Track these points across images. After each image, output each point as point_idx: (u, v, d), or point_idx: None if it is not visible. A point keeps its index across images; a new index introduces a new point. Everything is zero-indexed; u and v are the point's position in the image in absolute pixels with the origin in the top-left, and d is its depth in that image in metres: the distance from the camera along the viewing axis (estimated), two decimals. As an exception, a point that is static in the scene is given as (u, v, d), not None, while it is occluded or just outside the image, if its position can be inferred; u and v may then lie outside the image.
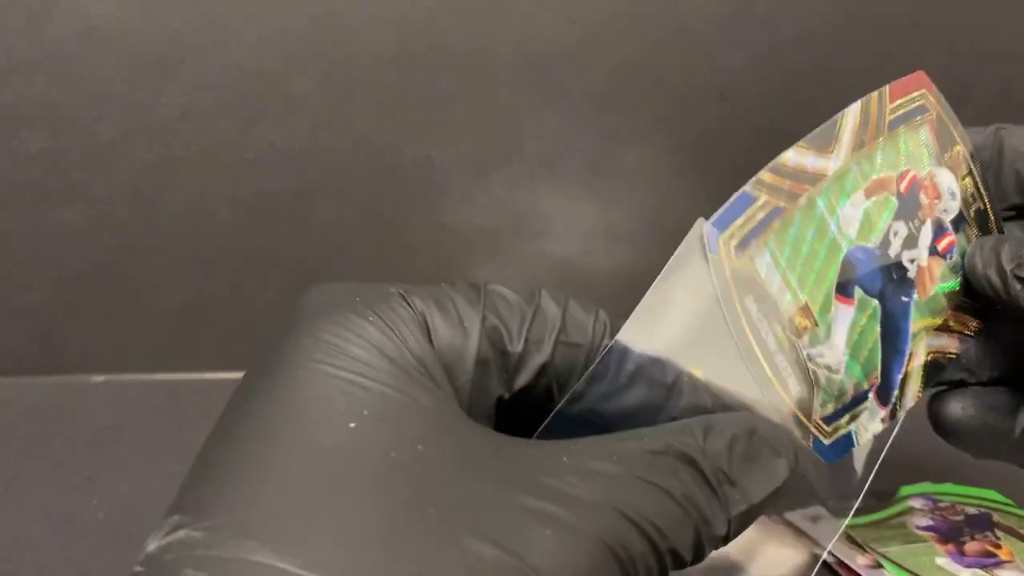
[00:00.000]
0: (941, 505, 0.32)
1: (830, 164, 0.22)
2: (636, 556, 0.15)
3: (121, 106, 0.38)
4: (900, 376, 0.21)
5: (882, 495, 0.32)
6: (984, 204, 0.23)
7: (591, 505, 0.15)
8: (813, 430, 0.20)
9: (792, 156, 0.22)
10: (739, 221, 0.21)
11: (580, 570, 0.14)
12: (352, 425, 0.15)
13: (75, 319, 0.43)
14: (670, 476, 0.16)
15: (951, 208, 0.23)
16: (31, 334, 0.44)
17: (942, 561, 0.28)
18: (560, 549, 0.14)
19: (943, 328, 0.22)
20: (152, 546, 0.15)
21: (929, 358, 0.22)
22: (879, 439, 0.21)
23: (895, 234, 0.22)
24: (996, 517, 0.31)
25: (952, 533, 0.30)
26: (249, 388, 0.17)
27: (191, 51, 0.37)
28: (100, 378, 0.44)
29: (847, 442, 0.20)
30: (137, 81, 0.37)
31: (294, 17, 0.36)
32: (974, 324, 0.23)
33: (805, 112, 0.39)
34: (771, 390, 0.19)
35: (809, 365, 0.20)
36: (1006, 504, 0.32)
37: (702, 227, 0.20)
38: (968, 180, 0.23)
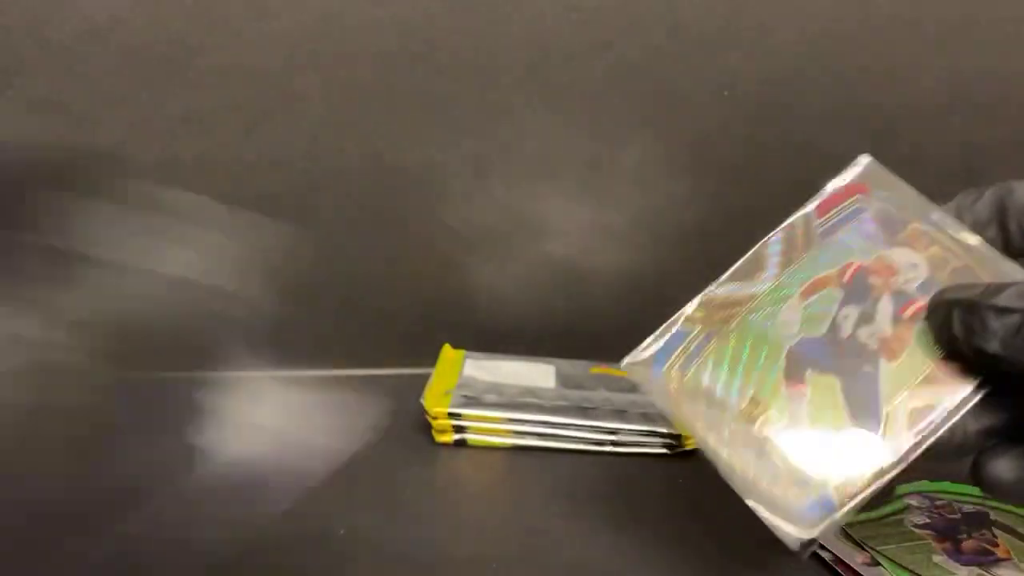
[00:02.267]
0: (938, 503, 0.32)
1: (759, 287, 0.25)
2: None
3: (123, 107, 0.38)
4: (878, 434, 0.22)
5: (880, 493, 0.33)
6: (965, 261, 0.24)
7: None
8: (782, 493, 0.22)
9: (719, 291, 0.26)
10: (678, 351, 0.25)
11: None
12: None
13: (76, 319, 0.43)
14: None
15: (915, 277, 0.24)
16: (32, 334, 0.44)
17: (939, 559, 0.28)
18: None
19: (934, 379, 0.23)
20: None
21: (911, 411, 0.23)
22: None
23: (845, 318, 0.24)
24: (993, 515, 0.31)
25: (949, 531, 0.30)
26: None
27: (192, 52, 0.37)
28: (101, 377, 0.44)
29: (824, 504, 0.22)
30: (139, 82, 0.37)
31: (295, 18, 0.36)
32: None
33: (805, 112, 0.40)
34: (733, 474, 0.23)
35: (768, 442, 0.23)
36: (1002, 502, 0.32)
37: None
38: (935, 248, 0.24)
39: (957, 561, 0.28)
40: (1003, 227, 0.24)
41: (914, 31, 0.38)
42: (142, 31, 0.36)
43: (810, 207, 0.27)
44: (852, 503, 0.22)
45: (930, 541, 0.29)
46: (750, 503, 0.22)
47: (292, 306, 0.45)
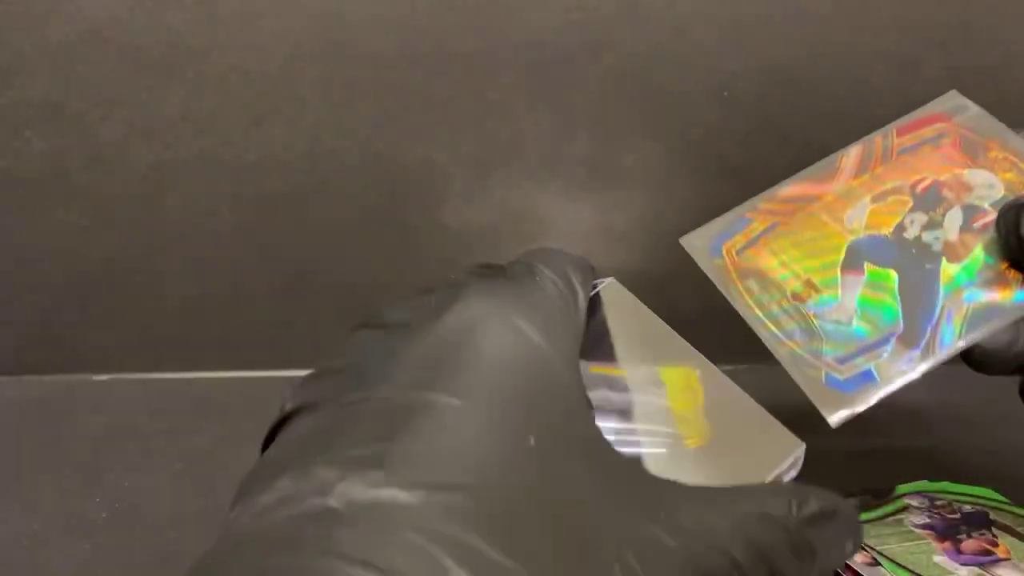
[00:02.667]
0: (938, 503, 0.32)
1: (830, 188, 0.26)
2: None
3: (124, 107, 0.38)
4: (930, 325, 0.23)
5: (879, 493, 0.33)
6: None
7: (702, 544, 0.17)
8: (824, 368, 0.22)
9: (789, 188, 0.26)
10: (739, 234, 0.26)
11: None
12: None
13: (76, 319, 0.43)
14: (772, 544, 0.18)
15: (989, 195, 0.24)
16: (33, 333, 0.44)
17: (939, 559, 0.28)
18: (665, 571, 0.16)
19: (999, 282, 0.23)
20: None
21: (972, 309, 0.23)
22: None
23: (911, 222, 0.25)
24: (993, 515, 0.31)
25: (949, 531, 0.30)
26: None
27: (193, 52, 0.37)
28: (102, 377, 0.44)
29: (866, 376, 0.22)
30: (139, 82, 0.37)
31: (295, 18, 0.36)
32: None
33: (805, 112, 0.40)
34: (780, 346, 0.23)
35: (815, 320, 0.23)
36: (1003, 502, 0.32)
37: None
38: (1012, 174, 0.25)
39: (957, 561, 0.28)
40: None
41: (914, 31, 0.38)
42: (142, 31, 0.36)
43: (892, 127, 0.27)
44: (896, 383, 0.22)
45: (930, 541, 0.29)
46: (794, 376, 0.22)
47: (292, 306, 0.46)
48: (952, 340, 0.22)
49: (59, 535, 0.35)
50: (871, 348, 0.23)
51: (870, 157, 0.26)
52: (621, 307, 0.25)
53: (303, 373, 0.19)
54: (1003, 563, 0.28)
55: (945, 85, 0.40)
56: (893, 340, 0.23)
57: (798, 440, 0.22)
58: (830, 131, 0.40)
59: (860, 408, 0.22)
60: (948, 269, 0.23)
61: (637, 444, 0.37)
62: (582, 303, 0.22)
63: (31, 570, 0.33)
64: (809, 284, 0.24)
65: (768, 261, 0.25)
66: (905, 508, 0.31)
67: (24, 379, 0.44)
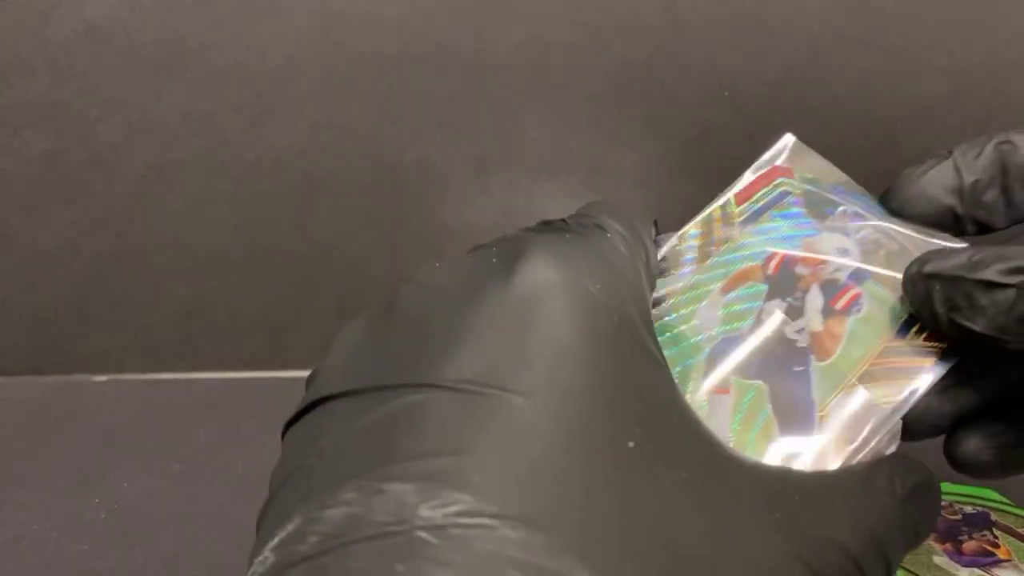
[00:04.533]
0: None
1: (673, 285, 0.22)
2: None
3: (123, 107, 0.38)
4: (807, 437, 0.19)
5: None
6: (899, 242, 0.22)
7: (821, 545, 0.16)
8: None
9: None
10: None
11: None
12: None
13: (76, 319, 0.43)
14: (882, 526, 0.16)
15: (845, 266, 0.22)
16: (32, 334, 0.44)
17: (940, 560, 0.28)
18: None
19: (875, 378, 0.20)
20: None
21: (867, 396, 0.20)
22: None
23: (769, 314, 0.21)
24: (994, 516, 0.31)
25: (950, 532, 0.30)
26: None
27: (192, 52, 0.37)
28: (101, 378, 0.44)
29: None
30: (138, 82, 0.37)
31: (295, 18, 0.36)
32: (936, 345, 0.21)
33: (805, 112, 0.39)
34: None
35: None
36: (1004, 503, 0.32)
37: None
38: (866, 231, 0.22)
39: (958, 562, 0.28)
40: (1005, 189, 0.22)
41: (915, 31, 0.38)
42: (142, 31, 0.36)
43: (729, 194, 0.24)
44: None
45: (931, 542, 0.29)
46: None
47: (292, 306, 0.46)
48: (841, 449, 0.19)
49: (57, 535, 0.35)
50: None
51: (711, 238, 0.23)
52: (807, 156, 0.23)
53: (303, 374, 0.18)
54: (1004, 564, 0.28)
55: (945, 85, 0.40)
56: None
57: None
58: (830, 131, 0.40)
59: None
60: (818, 368, 0.20)
61: None
62: (652, 256, 0.20)
63: (30, 570, 0.33)
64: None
65: None
66: (906, 509, 0.31)
67: (23, 379, 0.44)
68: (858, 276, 0.21)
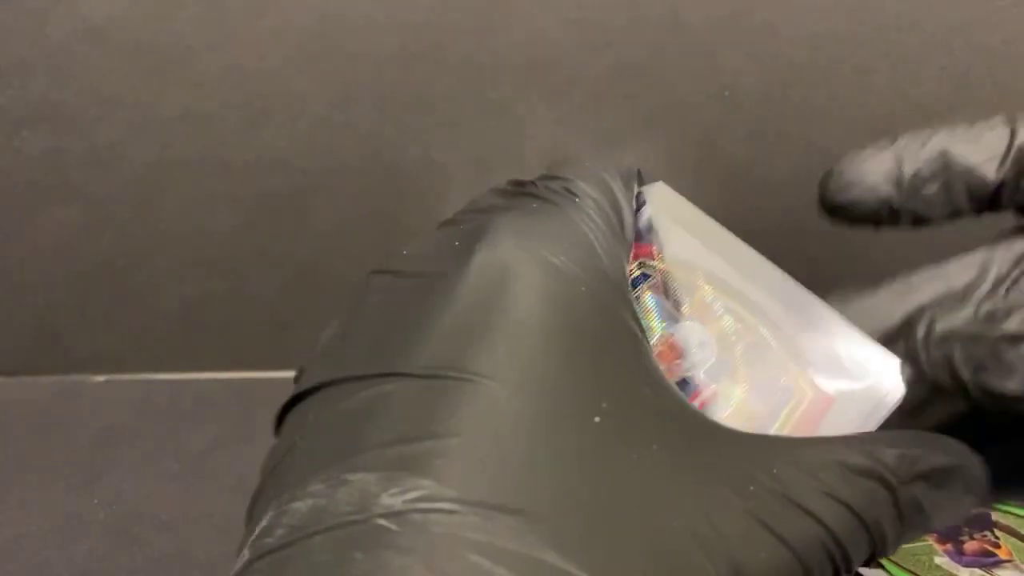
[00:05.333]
0: (940, 505, 0.32)
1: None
2: (815, 568, 0.15)
3: (122, 107, 0.38)
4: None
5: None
6: (760, 333, 0.20)
7: (795, 514, 0.15)
8: None
9: None
10: None
11: (771, 571, 0.14)
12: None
13: (75, 319, 0.43)
14: (866, 500, 0.15)
15: (703, 359, 0.20)
16: (31, 334, 0.44)
17: (941, 560, 0.28)
18: (763, 552, 0.14)
19: None
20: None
21: None
22: None
23: None
24: (995, 516, 0.31)
25: (951, 532, 0.30)
26: None
27: (191, 51, 0.37)
28: (100, 378, 0.44)
29: None
30: (138, 81, 0.37)
31: (294, 17, 0.36)
32: None
33: (805, 112, 0.39)
34: None
35: None
36: (1005, 504, 0.32)
37: None
38: (727, 319, 0.20)
39: (959, 563, 0.28)
40: (947, 187, 0.21)
41: (915, 31, 0.38)
42: (142, 31, 0.36)
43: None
44: None
45: (932, 543, 0.29)
46: None
47: (291, 306, 0.45)
48: None
49: (56, 536, 0.34)
50: None
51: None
52: (671, 210, 0.21)
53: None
54: (1005, 565, 0.28)
55: (945, 85, 0.40)
56: None
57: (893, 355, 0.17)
58: (830, 131, 0.40)
59: None
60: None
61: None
62: (628, 219, 0.19)
63: (28, 571, 0.33)
64: None
65: None
66: (906, 509, 0.31)
67: (22, 379, 0.44)
68: (714, 373, 0.20)
